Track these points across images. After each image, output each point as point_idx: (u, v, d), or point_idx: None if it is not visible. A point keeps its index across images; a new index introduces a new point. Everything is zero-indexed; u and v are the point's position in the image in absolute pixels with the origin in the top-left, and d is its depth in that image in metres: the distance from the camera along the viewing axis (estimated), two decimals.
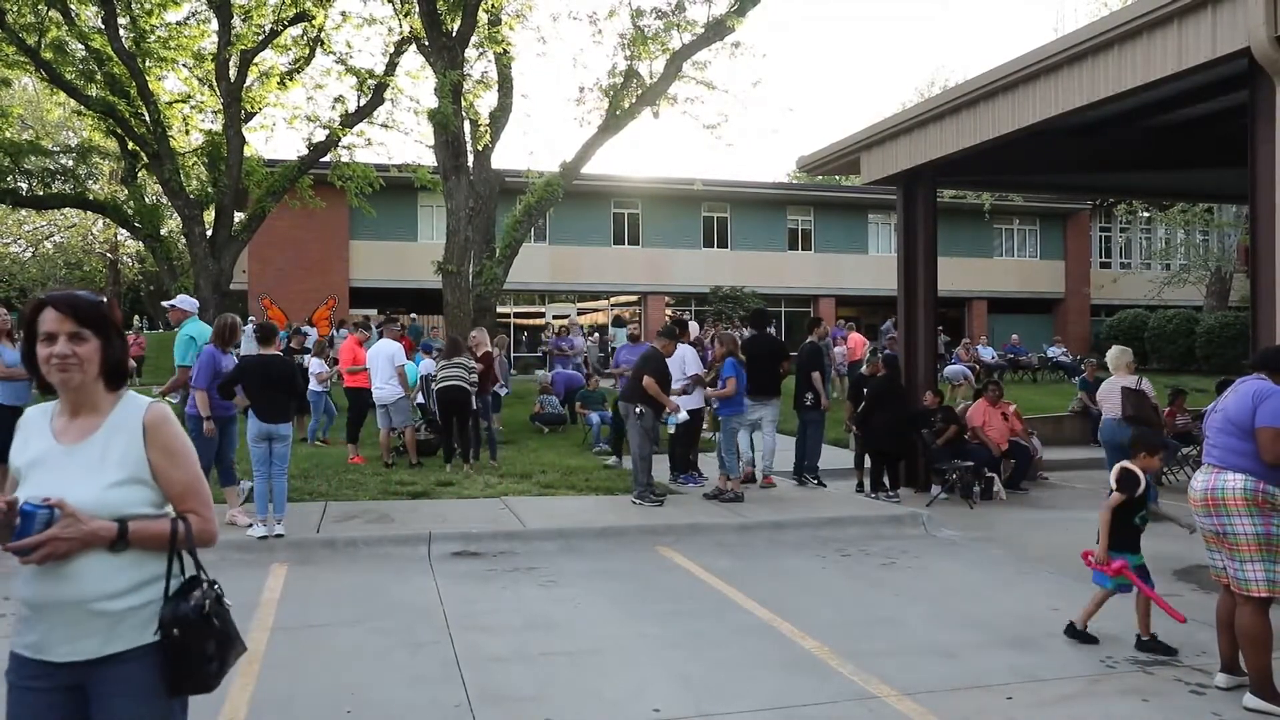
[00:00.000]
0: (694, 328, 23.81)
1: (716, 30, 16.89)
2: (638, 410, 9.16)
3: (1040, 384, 23.89)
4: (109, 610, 2.19)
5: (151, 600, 2.25)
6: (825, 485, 10.68)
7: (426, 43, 15.91)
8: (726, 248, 31.60)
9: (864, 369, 12.27)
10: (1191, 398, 13.77)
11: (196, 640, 2.26)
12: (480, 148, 17.93)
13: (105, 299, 2.35)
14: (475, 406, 11.13)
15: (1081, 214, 34.40)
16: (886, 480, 10.45)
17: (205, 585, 2.31)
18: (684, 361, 10.21)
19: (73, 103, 17.62)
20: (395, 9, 17.38)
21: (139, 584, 2.23)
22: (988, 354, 24.02)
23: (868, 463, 10.74)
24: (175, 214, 19.07)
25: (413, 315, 25.30)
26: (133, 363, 21.08)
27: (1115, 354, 9.80)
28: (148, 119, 16.39)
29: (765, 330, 10.95)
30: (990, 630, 5.64)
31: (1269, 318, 6.70)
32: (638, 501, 8.99)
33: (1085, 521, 9.51)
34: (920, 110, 10.50)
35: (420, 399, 12.37)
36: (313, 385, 13.54)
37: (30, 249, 40.82)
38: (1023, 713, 4.38)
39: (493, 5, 16.73)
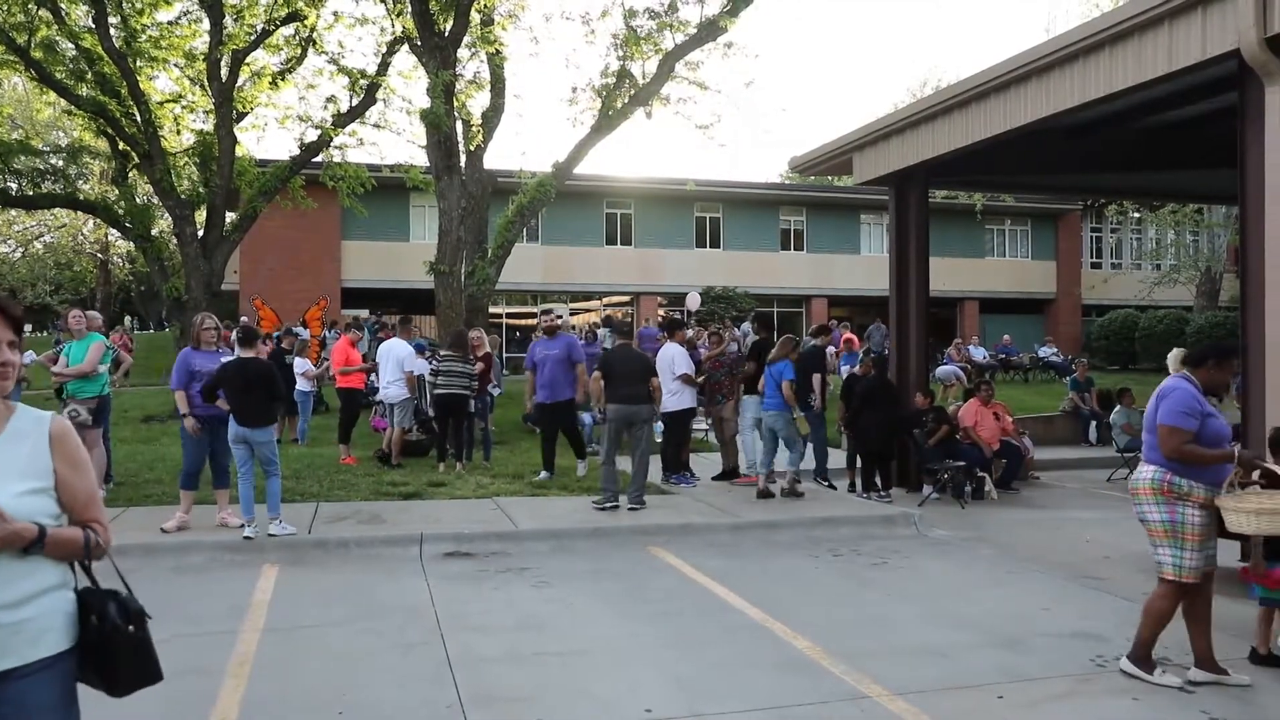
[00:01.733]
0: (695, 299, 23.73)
1: (709, 30, 16.91)
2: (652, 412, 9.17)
3: (1031, 384, 23.95)
4: (4, 622, 2.11)
5: (42, 613, 2.18)
6: (835, 487, 10.60)
7: (419, 43, 15.87)
8: (719, 248, 31.61)
9: (856, 369, 12.31)
10: None
11: (143, 631, 2.28)
12: (473, 148, 17.91)
13: None
14: (474, 409, 11.14)
15: (1072, 214, 34.53)
16: (878, 480, 10.47)
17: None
18: (672, 361, 10.21)
19: (63, 102, 17.55)
20: (387, 9, 17.35)
21: (34, 594, 2.17)
22: (979, 354, 24.08)
23: (859, 463, 10.76)
24: (166, 214, 18.99)
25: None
26: (129, 359, 20.52)
27: (1175, 356, 10.22)
28: (139, 119, 16.32)
29: (770, 334, 11.00)
30: (981, 630, 5.66)
31: (1258, 317, 6.73)
32: (634, 507, 8.90)
33: (1077, 521, 9.59)
34: (912, 111, 10.52)
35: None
36: (300, 385, 13.50)
37: (20, 249, 40.63)
38: (1014, 712, 4.39)
39: (485, 5, 16.71)
